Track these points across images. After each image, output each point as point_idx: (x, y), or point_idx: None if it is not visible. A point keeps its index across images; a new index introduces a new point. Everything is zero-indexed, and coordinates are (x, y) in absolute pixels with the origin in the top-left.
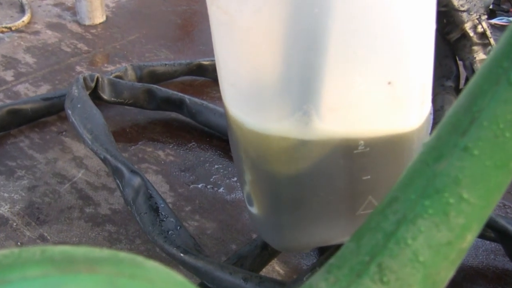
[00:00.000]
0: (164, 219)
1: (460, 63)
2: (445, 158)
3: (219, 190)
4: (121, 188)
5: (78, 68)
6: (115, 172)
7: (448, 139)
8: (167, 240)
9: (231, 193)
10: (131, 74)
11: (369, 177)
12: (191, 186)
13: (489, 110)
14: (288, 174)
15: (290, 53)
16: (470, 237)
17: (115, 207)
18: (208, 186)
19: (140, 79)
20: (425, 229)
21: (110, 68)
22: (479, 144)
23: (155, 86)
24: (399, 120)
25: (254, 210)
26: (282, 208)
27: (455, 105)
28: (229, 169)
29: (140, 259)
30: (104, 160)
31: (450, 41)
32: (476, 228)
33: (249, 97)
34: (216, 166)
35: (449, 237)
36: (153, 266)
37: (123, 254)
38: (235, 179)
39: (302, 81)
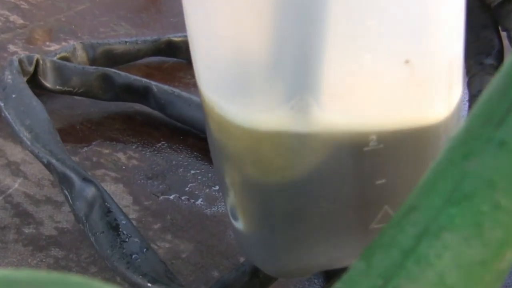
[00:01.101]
0: (127, 239)
1: (503, 34)
2: (476, 155)
3: (196, 202)
4: (71, 201)
5: (12, 48)
6: (63, 181)
7: (479, 132)
8: (131, 266)
9: (212, 205)
10: (81, 55)
11: (384, 181)
12: (161, 197)
13: None
14: (282, 179)
15: (282, 26)
16: (510, 255)
17: (62, 226)
18: (183, 198)
19: (93, 61)
20: (452, 244)
21: (54, 47)
22: None
23: (112, 70)
24: (421, 108)
25: (240, 226)
26: (276, 223)
27: (489, 89)
28: (209, 175)
29: (97, 284)
30: (48, 166)
31: (490, 6)
32: None
33: (231, 82)
34: (192, 172)
35: (483, 255)
36: None
37: (75, 278)
38: (217, 187)
39: (297, 61)
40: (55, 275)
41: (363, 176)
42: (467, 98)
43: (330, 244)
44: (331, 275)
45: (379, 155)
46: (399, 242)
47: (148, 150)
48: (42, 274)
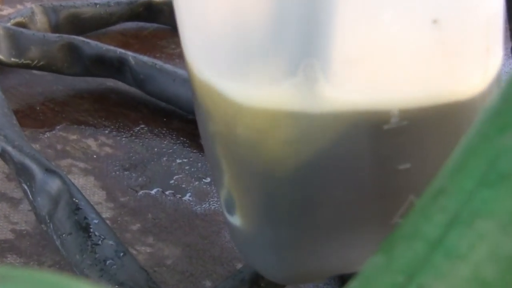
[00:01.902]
0: (99, 242)
1: None
2: None
3: (183, 198)
4: (31, 197)
5: None
6: (21, 173)
7: None
8: (105, 274)
9: (203, 201)
10: (41, 20)
11: (408, 165)
12: (140, 192)
13: None
14: (287, 166)
15: None
16: None
17: (20, 228)
18: (167, 192)
19: (56, 27)
20: (487, 233)
21: (7, 11)
22: None
23: (80, 38)
24: (452, 78)
25: (237, 221)
26: (280, 217)
27: None
28: (199, 165)
29: (67, 281)
30: (2, 155)
31: None
32: None
33: (227, 52)
34: (178, 161)
35: None
36: None
37: (41, 275)
38: (208, 179)
39: (303, 22)
40: (19, 271)
41: (383, 160)
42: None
43: (345, 243)
44: (346, 280)
45: (402, 134)
46: (425, 232)
47: (124, 136)
48: (3, 269)
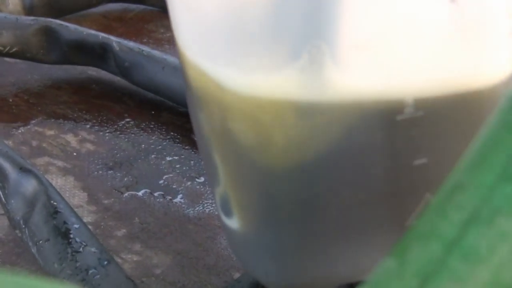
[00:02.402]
0: (80, 249)
1: None
2: None
3: (174, 200)
4: (3, 200)
5: None
6: None
7: None
8: (87, 285)
9: (196, 204)
10: (13, 1)
11: (424, 160)
12: (126, 193)
13: None
14: (291, 162)
15: None
16: None
17: None
18: (156, 194)
19: (30, 9)
20: (509, 232)
21: None
22: None
23: (57, 22)
24: (473, 63)
25: (235, 224)
26: (283, 218)
27: None
28: (191, 162)
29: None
30: None
31: None
32: None
33: (222, 34)
34: (168, 159)
35: None
36: None
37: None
38: (202, 179)
39: (307, 2)
40: None
41: (397, 155)
42: None
43: (354, 248)
44: None
45: (418, 126)
46: (440, 232)
47: (108, 130)
48: None
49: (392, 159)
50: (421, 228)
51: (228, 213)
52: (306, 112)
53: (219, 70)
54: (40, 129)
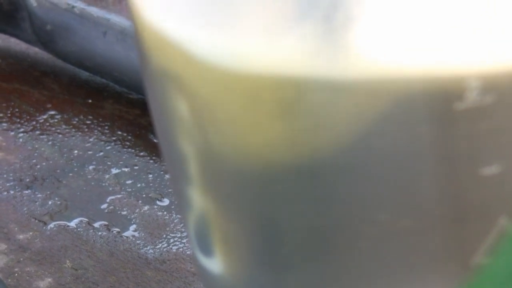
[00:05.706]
0: None
1: None
2: None
3: (124, 234)
4: None
5: None
6: None
7: None
8: None
9: (157, 238)
10: None
11: (497, 169)
12: (51, 224)
13: None
14: (298, 170)
15: None
16: None
17: None
18: (97, 224)
19: None
20: None
21: None
22: None
23: None
24: None
25: (216, 267)
26: (286, 257)
27: None
28: (149, 176)
29: None
30: None
31: None
32: None
33: None
34: (114, 171)
35: None
36: None
37: None
38: (166, 201)
39: None
40: None
41: (455, 160)
42: None
43: None
44: None
45: (486, 118)
46: None
47: (22, 129)
48: None
49: (447, 167)
50: (495, 270)
51: (207, 251)
52: (319, 97)
53: (193, 36)
54: None
